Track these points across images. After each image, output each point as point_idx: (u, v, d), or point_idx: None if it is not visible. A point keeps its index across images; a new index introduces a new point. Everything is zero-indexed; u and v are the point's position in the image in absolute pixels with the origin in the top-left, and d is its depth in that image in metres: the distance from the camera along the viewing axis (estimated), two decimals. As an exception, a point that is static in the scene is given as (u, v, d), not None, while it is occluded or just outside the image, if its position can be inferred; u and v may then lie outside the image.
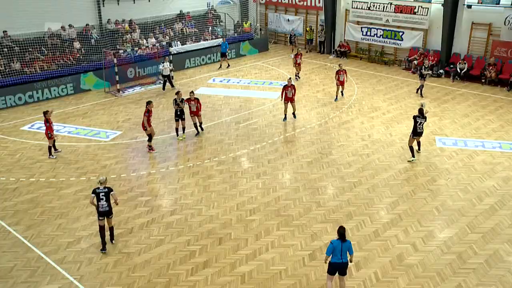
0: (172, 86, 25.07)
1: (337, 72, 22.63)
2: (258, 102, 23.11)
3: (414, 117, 16.47)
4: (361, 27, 30.46)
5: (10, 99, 22.48)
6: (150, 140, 17.74)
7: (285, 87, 19.88)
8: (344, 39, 31.56)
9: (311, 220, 13.48)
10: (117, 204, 12.24)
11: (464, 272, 11.25)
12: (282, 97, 20.02)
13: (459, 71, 25.82)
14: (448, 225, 13.16)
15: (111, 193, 11.95)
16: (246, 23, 33.61)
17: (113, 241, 12.52)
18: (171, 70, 24.90)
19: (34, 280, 11.14)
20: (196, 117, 18.98)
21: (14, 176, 16.04)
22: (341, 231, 9.92)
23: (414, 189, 15.06)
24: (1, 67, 23.14)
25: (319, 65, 29.82)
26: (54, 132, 17.37)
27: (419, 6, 27.47)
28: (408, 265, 11.52)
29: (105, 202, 11.87)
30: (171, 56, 26.22)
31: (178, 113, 18.58)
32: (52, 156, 17.27)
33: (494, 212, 13.75)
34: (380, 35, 29.67)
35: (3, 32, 24.14)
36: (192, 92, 18.92)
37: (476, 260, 11.67)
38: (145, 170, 16.46)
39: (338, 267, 10.05)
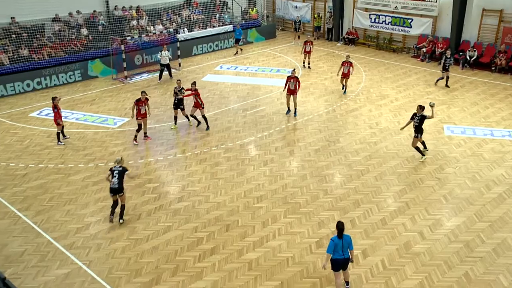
0: (171, 76, 24.65)
1: (342, 64, 21.68)
2: (265, 89, 23.05)
3: (413, 115, 15.78)
4: (370, 14, 30.19)
5: (18, 85, 22.57)
6: (138, 130, 17.35)
7: (288, 78, 19.20)
8: (352, 26, 31.30)
9: (318, 207, 13.50)
10: (131, 178, 13.43)
11: (471, 261, 11.25)
12: (285, 88, 19.38)
13: (468, 58, 25.59)
14: (456, 213, 13.14)
15: (126, 172, 12.60)
16: (253, 10, 33.41)
17: (121, 221, 12.76)
18: (170, 59, 24.38)
19: (45, 265, 11.28)
20: (197, 109, 18.33)
21: (23, 162, 16.16)
22: (341, 227, 9.77)
23: (421, 177, 15.02)
24: (10, 53, 23.19)
25: (327, 52, 29.64)
26: (62, 119, 17.44)
27: (428, -7, 27.19)
28: (415, 253, 11.54)
29: (116, 180, 12.44)
30: (178, 43, 26.14)
31: (176, 101, 18.41)
32: (61, 142, 17.36)
33: (503, 201, 13.71)
34: (389, 22, 29.41)
35: (11, 18, 24.13)
36: (193, 83, 18.29)
37: (484, 249, 11.66)
38: (153, 157, 16.52)
39: (340, 263, 9.96)
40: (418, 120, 15.59)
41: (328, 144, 17.35)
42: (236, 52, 29.33)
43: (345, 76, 21.83)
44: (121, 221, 12.76)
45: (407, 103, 21.07)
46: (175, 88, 18.45)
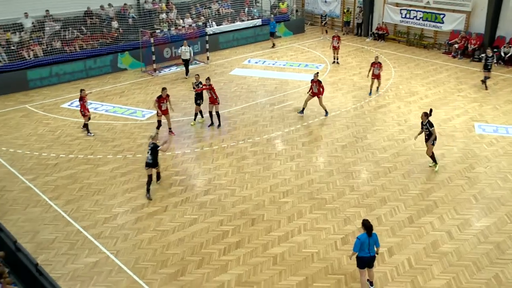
0: (187, 73, 24.13)
1: (372, 65, 20.86)
2: (293, 84, 22.96)
3: (421, 123, 14.95)
4: (400, 9, 29.71)
5: (51, 77, 23.04)
6: (158, 127, 17.24)
7: (311, 81, 18.82)
8: (382, 22, 30.87)
9: (344, 204, 13.42)
10: (165, 151, 14.37)
11: (502, 263, 11.01)
12: (309, 91, 19.03)
13: (503, 55, 24.96)
14: (486, 214, 12.87)
15: (158, 148, 13.53)
16: (282, 4, 33.24)
17: (158, 182, 14.34)
18: (191, 52, 24.05)
19: (74, 253, 11.53)
20: (213, 105, 18.10)
21: (54, 152, 16.51)
22: (369, 224, 9.72)
23: (450, 176, 14.76)
24: (44, 45, 23.68)
25: (356, 47, 29.33)
26: (90, 110, 17.70)
27: (462, -12, 26.59)
28: (442, 253, 11.36)
29: (150, 156, 13.52)
30: (206, 37, 26.23)
31: (195, 96, 18.28)
32: (90, 133, 17.66)
33: (535, 202, 13.38)
34: (420, 18, 28.87)
35: (46, 11, 24.62)
36: (207, 78, 18.10)
37: (514, 251, 11.42)
38: (180, 150, 16.67)
39: (366, 261, 9.91)
40: (427, 128, 14.74)
41: (355, 140, 17.20)
42: (273, 45, 29.40)
43: (377, 77, 21.03)
44: (158, 182, 14.31)
45: (437, 100, 20.70)
46: (193, 83, 18.48)
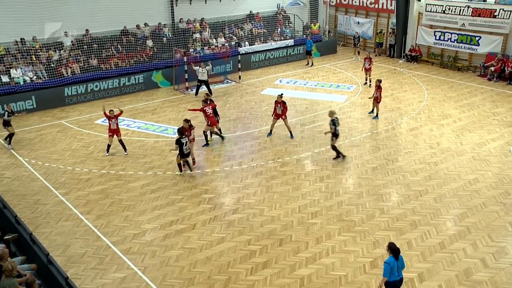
0: (210, 93, 23.47)
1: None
2: (324, 105, 22.92)
3: None
4: (434, 31, 29.44)
5: (86, 93, 23.66)
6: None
7: (275, 103, 18.65)
8: (416, 43, 30.64)
9: (374, 227, 13.21)
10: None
11: (538, 293, 10.62)
12: (273, 113, 18.87)
13: (540, 79, 24.38)
14: (522, 242, 12.47)
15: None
16: (315, 25, 33.42)
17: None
18: (208, 72, 23.85)
19: (103, 268, 11.66)
20: (207, 126, 18.21)
21: (87, 167, 16.86)
22: (396, 247, 9.60)
23: (485, 201, 14.37)
24: (81, 63, 24.40)
25: (388, 69, 29.14)
26: (119, 127, 17.68)
27: (500, 9, 26.10)
28: (476, 282, 11.02)
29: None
30: (239, 56, 26.52)
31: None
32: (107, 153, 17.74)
33: None
34: (455, 40, 28.53)
35: (85, 30, 25.44)
36: (204, 100, 18.32)
37: (552, 281, 10.98)
38: (210, 168, 16.77)
39: (397, 285, 9.78)
40: None
41: (386, 162, 16.98)
42: (312, 64, 29.70)
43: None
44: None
45: (470, 123, 20.30)
46: (202, 101, 18.58)
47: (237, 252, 12.25)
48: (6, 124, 18.39)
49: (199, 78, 23.82)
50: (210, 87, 24.32)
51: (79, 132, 20.04)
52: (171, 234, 13.00)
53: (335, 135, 16.80)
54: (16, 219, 11.05)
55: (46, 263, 9.51)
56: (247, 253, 12.20)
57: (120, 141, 17.63)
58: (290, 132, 19.09)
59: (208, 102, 18.27)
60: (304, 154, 17.73)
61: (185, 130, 16.05)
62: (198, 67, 23.76)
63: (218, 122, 18.71)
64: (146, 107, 22.95)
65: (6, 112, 18.46)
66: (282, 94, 19.05)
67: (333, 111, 16.95)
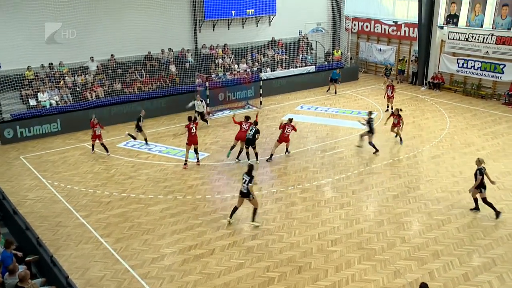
0: (206, 122, 24.08)
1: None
2: (345, 131, 22.85)
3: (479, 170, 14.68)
4: (457, 59, 29.27)
5: (110, 117, 24.02)
6: None
7: (285, 125, 19.47)
8: (438, 71, 30.48)
9: (395, 256, 12.97)
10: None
11: None
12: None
13: None
14: (549, 275, 12.08)
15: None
16: (337, 52, 33.57)
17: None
18: (204, 106, 23.78)
19: (120, 292, 11.67)
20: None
21: (108, 190, 17.03)
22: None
23: (511, 232, 14.02)
24: (105, 87, 24.90)
25: (410, 96, 28.99)
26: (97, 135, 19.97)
27: (525, 38, 25.93)
28: (500, 315, 10.70)
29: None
30: (260, 82, 26.72)
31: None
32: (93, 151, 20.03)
33: None
34: (478, 68, 28.29)
35: (111, 55, 26.02)
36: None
37: None
38: (230, 193, 16.77)
39: None
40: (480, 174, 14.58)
41: (407, 190, 16.76)
42: (335, 92, 29.60)
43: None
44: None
45: (494, 152, 19.97)
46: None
47: (255, 278, 12.13)
48: (139, 129, 20.83)
49: (196, 109, 23.73)
50: (207, 119, 24.44)
51: (101, 155, 20.31)
52: (190, 259, 12.96)
53: (371, 131, 19.44)
54: (38, 241, 11.19)
55: (66, 286, 9.56)
56: (265, 279, 12.07)
57: (102, 144, 20.10)
58: (271, 154, 19.58)
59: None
60: (324, 181, 17.62)
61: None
62: (194, 100, 23.78)
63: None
64: (168, 131, 23.19)
65: (140, 117, 20.84)
66: (292, 119, 20.05)
67: (481, 159, 15.12)
